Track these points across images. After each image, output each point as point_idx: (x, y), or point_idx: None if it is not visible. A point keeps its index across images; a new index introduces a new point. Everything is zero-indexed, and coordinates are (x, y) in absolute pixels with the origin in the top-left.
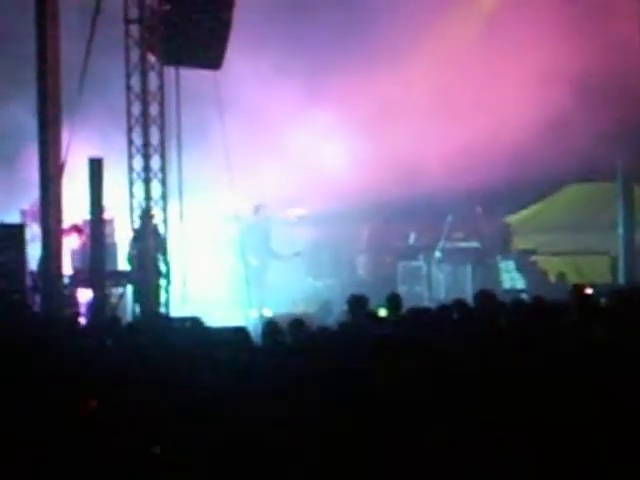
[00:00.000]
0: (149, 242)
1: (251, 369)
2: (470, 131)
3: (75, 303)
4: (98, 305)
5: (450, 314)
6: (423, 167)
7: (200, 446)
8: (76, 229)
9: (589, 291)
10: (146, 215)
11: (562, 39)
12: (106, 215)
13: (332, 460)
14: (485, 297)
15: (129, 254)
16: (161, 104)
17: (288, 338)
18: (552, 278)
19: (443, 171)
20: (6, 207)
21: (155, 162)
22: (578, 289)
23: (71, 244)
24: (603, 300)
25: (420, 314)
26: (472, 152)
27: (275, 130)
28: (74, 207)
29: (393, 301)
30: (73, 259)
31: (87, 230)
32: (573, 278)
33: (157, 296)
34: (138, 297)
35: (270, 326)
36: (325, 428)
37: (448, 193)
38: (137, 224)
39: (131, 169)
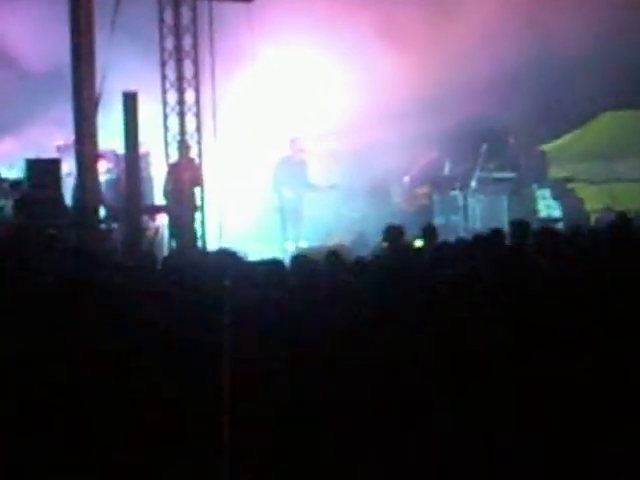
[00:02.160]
0: (185, 175)
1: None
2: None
3: (111, 237)
4: (134, 240)
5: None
6: (455, 96)
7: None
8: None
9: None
10: (182, 148)
11: None
12: (141, 149)
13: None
14: (520, 226)
15: (165, 188)
16: (194, 37)
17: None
18: (588, 206)
19: (476, 100)
20: (43, 144)
21: (189, 96)
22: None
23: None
24: None
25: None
26: (504, 82)
27: (308, 63)
28: (109, 141)
29: (428, 232)
30: (108, 194)
31: (122, 164)
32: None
33: (193, 230)
34: (174, 231)
35: (299, 260)
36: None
37: (483, 121)
38: (172, 157)
39: (165, 103)
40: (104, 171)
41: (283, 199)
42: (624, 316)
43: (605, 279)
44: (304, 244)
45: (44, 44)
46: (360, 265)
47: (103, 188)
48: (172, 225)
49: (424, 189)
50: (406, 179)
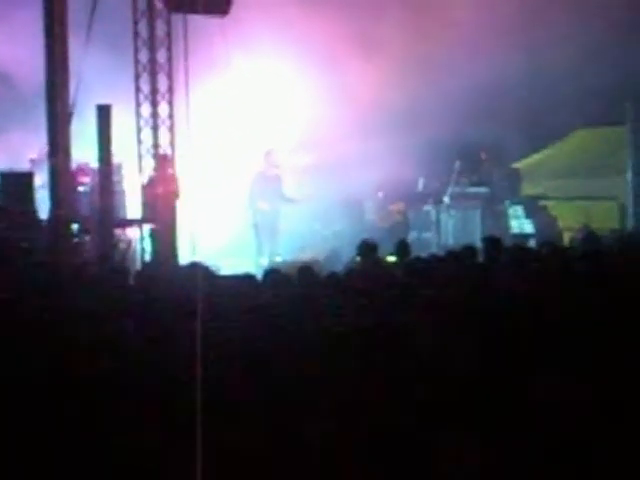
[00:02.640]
0: (162, 188)
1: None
2: (475, 78)
3: (83, 251)
4: (106, 253)
5: (458, 261)
6: (428, 111)
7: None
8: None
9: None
10: (157, 160)
11: None
12: (114, 162)
13: None
14: (492, 243)
15: (142, 201)
16: (169, 50)
17: (296, 285)
18: (562, 223)
19: (450, 116)
20: (17, 157)
21: (163, 109)
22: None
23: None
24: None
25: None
26: (478, 98)
27: (281, 75)
28: (82, 154)
29: (401, 248)
30: (80, 206)
31: (95, 177)
32: (580, 223)
33: (174, 243)
34: (153, 244)
35: (271, 274)
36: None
37: (456, 138)
38: (145, 171)
39: (139, 116)
40: (83, 184)
41: (258, 213)
42: (593, 334)
43: (574, 297)
44: (279, 259)
45: (26, 51)
46: (333, 280)
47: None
48: (153, 238)
49: (398, 206)
50: (380, 195)
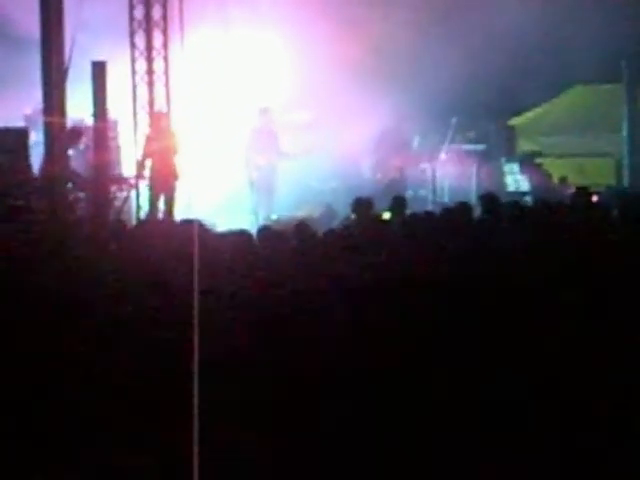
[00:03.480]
0: (160, 144)
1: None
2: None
3: (78, 208)
4: (102, 209)
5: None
6: (425, 67)
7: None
8: (75, 132)
9: (594, 198)
10: (156, 118)
11: None
12: (109, 118)
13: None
14: (489, 200)
15: (141, 156)
16: (164, 7)
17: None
18: (556, 180)
19: (447, 73)
20: (10, 112)
21: (159, 65)
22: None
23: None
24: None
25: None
26: (474, 55)
27: (277, 33)
28: (78, 110)
29: (398, 203)
30: (75, 164)
31: (90, 134)
32: (577, 180)
33: (173, 199)
34: (151, 199)
35: (265, 231)
36: None
37: (452, 94)
38: (147, 127)
39: (134, 72)
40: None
41: (255, 169)
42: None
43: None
44: (274, 217)
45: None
46: (331, 236)
47: (71, 157)
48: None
49: (396, 162)
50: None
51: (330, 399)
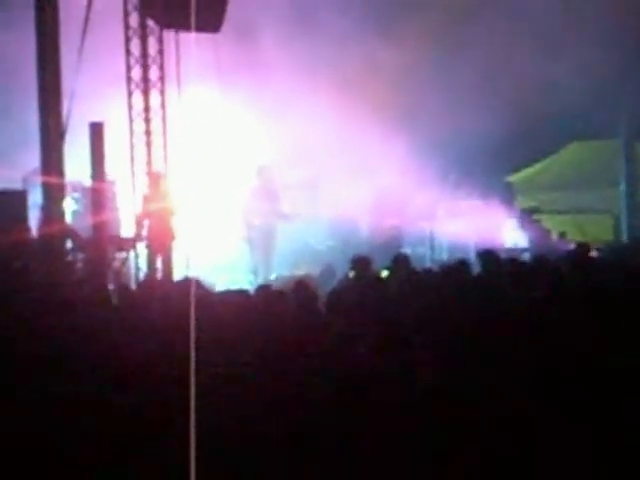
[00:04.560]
0: (158, 205)
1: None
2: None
3: (77, 269)
4: (101, 270)
5: (452, 276)
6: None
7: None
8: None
9: (593, 254)
10: (154, 178)
11: None
12: (108, 179)
13: None
14: (488, 256)
15: (137, 217)
16: (161, 68)
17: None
18: (555, 236)
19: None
20: (8, 175)
21: (156, 125)
22: (582, 248)
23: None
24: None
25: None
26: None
27: (277, 93)
28: (76, 172)
29: (399, 260)
30: (74, 225)
31: (88, 194)
32: (575, 236)
33: (170, 260)
34: (149, 260)
35: (263, 290)
36: None
37: (449, 149)
38: (145, 188)
39: (132, 133)
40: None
41: (251, 229)
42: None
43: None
44: (273, 276)
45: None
46: (334, 296)
47: (69, 219)
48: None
49: (393, 221)
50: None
51: None
